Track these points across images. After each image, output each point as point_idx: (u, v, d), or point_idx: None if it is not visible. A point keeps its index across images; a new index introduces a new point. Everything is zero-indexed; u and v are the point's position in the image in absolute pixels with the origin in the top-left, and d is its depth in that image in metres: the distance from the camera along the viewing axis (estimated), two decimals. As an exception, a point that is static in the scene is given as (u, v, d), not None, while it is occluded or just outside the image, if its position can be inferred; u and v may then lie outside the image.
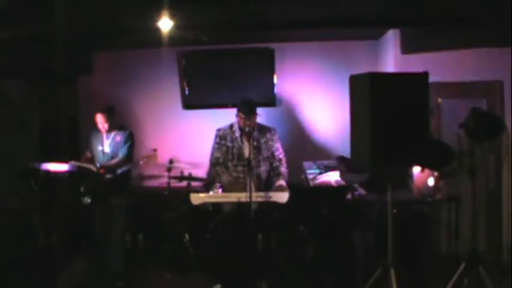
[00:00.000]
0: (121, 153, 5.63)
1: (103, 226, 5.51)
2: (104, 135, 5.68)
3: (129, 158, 5.66)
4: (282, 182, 5.31)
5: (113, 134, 5.66)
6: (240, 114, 5.30)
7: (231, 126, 5.43)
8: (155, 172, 6.58)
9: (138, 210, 6.35)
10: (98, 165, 5.53)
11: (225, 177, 5.30)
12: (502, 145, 5.44)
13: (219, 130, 5.46)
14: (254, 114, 5.28)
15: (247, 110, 5.26)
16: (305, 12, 5.23)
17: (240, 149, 5.32)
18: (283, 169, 5.40)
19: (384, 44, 6.36)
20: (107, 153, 5.67)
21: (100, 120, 5.63)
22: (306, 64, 6.69)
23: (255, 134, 5.33)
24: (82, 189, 5.43)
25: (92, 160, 5.72)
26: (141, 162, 5.49)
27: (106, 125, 5.63)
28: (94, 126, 5.74)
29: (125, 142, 5.65)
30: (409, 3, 4.98)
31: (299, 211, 5.02)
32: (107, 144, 5.65)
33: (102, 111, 5.65)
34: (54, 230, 5.63)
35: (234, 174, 5.31)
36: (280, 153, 5.44)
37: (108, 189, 5.48)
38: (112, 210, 5.48)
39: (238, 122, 5.34)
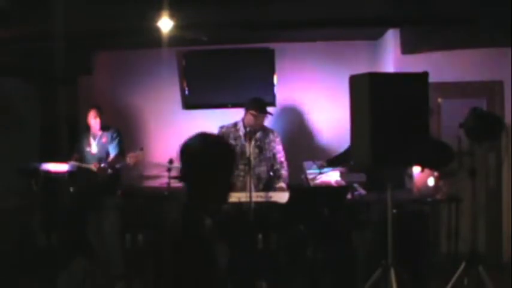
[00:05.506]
0: (113, 151, 5.61)
1: (96, 227, 5.51)
2: (91, 137, 5.67)
3: (122, 153, 5.63)
4: (282, 184, 5.34)
5: (99, 135, 5.65)
6: (252, 111, 5.30)
7: (235, 124, 5.44)
8: (155, 172, 6.57)
9: (138, 210, 6.35)
10: (101, 164, 5.51)
11: None
12: (502, 145, 5.44)
13: (222, 127, 5.47)
14: (267, 113, 5.31)
15: (261, 108, 5.29)
16: (305, 12, 5.22)
17: (243, 148, 5.32)
18: (284, 172, 5.45)
19: (384, 44, 6.36)
20: (94, 154, 5.66)
21: (93, 115, 5.64)
22: (306, 64, 6.69)
23: (259, 134, 5.34)
24: (72, 190, 5.45)
25: (80, 162, 5.71)
26: (127, 160, 5.47)
27: (97, 120, 5.63)
28: (82, 128, 5.74)
29: (112, 140, 5.63)
30: (409, 3, 4.98)
31: (299, 211, 5.02)
32: (93, 145, 5.65)
33: (95, 107, 5.68)
34: (54, 230, 5.64)
35: (234, 172, 5.31)
36: (282, 155, 5.47)
37: (99, 190, 5.47)
38: (104, 211, 5.48)
39: (247, 120, 5.35)
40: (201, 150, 2.13)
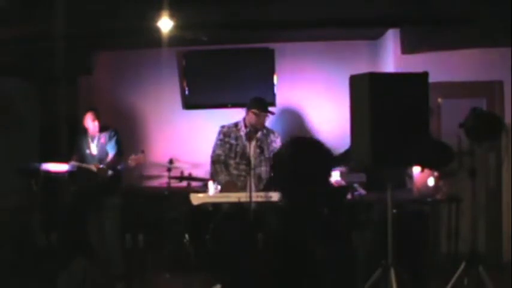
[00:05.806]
0: (111, 150, 5.60)
1: (96, 227, 5.51)
2: (89, 138, 5.66)
3: (121, 152, 5.63)
4: None
5: (97, 136, 5.65)
6: (254, 110, 5.31)
7: (236, 124, 5.46)
8: (155, 172, 6.58)
9: (138, 210, 6.36)
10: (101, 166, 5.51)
11: (222, 177, 5.31)
12: (502, 145, 5.44)
13: (223, 127, 5.48)
14: (269, 111, 5.33)
15: (263, 107, 5.31)
16: (305, 12, 5.22)
17: (244, 148, 5.33)
18: None
19: (383, 44, 6.36)
20: (94, 155, 5.65)
21: (91, 118, 5.61)
22: (306, 64, 6.69)
23: (260, 134, 5.35)
24: (72, 190, 5.46)
25: (80, 163, 5.70)
26: (129, 161, 5.48)
27: (96, 123, 5.61)
28: (81, 129, 5.75)
29: (110, 139, 5.62)
30: (409, 3, 4.98)
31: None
32: (93, 147, 5.64)
33: (92, 109, 5.65)
34: (54, 230, 5.64)
35: (235, 172, 5.32)
36: None
37: (99, 190, 5.47)
38: (104, 211, 5.48)
39: (249, 119, 5.36)
40: (291, 155, 2.09)
